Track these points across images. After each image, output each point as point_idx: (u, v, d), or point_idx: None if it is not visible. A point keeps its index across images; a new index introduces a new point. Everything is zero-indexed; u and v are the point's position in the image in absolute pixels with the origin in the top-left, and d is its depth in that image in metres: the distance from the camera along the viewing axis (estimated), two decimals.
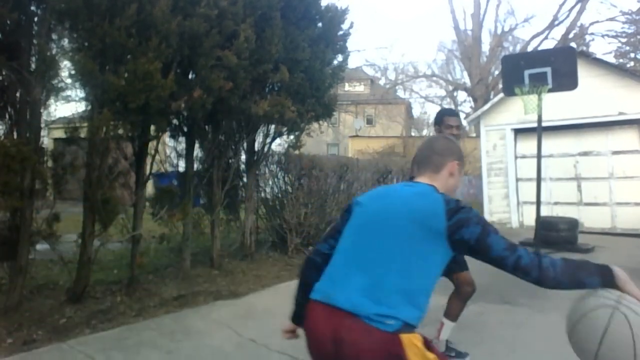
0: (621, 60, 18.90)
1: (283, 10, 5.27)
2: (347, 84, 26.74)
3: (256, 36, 4.84)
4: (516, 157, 10.46)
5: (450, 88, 24.43)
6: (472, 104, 20.82)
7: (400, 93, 27.59)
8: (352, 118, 25.54)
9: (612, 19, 19.79)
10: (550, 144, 9.40)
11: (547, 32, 19.73)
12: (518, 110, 8.21)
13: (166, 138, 6.08)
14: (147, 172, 4.79)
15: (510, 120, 10.16)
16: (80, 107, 4.45)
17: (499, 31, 21.28)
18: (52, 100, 3.93)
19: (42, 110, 3.85)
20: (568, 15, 19.03)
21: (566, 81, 7.12)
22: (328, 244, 1.56)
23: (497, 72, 19.66)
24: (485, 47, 21.49)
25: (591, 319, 1.32)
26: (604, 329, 1.27)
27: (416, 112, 31.27)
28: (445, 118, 3.13)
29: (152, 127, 4.60)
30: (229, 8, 4.58)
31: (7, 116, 3.89)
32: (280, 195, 7.09)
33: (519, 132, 10.31)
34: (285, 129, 6.18)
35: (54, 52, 3.80)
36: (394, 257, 1.34)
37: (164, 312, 4.02)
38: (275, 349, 3.18)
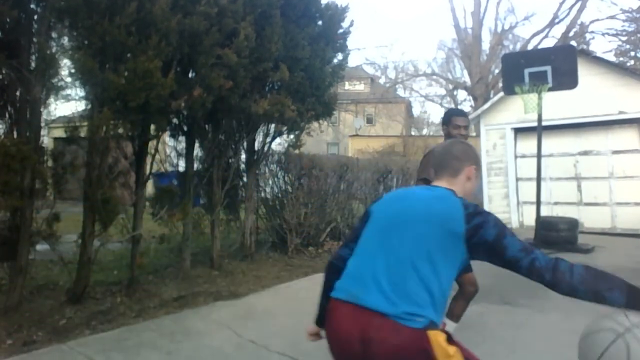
0: (621, 59, 18.92)
1: (283, 8, 5.25)
2: (347, 83, 26.70)
3: (256, 34, 4.83)
4: (516, 157, 10.44)
5: (450, 87, 24.43)
6: (472, 103, 20.79)
7: (400, 92, 27.61)
8: (352, 117, 25.52)
9: (612, 17, 19.70)
10: (550, 143, 9.39)
11: (547, 30, 19.72)
12: (518, 109, 8.21)
13: (166, 137, 6.06)
14: (147, 171, 4.77)
15: (510, 119, 10.15)
16: (80, 106, 4.44)
17: (499, 29, 21.27)
18: (52, 99, 3.92)
19: (42, 109, 3.83)
20: (568, 13, 19.01)
21: (566, 80, 7.13)
22: (349, 249, 1.58)
23: (497, 71, 19.63)
24: (486, 45, 21.47)
25: (593, 340, 1.31)
26: (601, 353, 1.26)
27: (416, 111, 31.37)
28: (453, 118, 3.11)
29: (152, 126, 4.58)
30: (229, 6, 4.56)
31: (7, 115, 3.88)
32: (280, 195, 7.08)
33: (519, 131, 10.30)
34: (285, 128, 6.16)
35: (53, 50, 3.79)
36: (418, 258, 1.36)
37: (164, 313, 4.01)
38: (275, 349, 3.17)
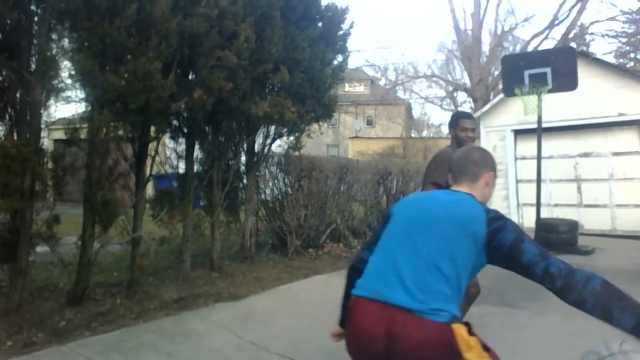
0: (621, 61, 18.89)
1: (283, 10, 5.26)
2: (347, 85, 26.76)
3: (256, 36, 4.83)
4: (516, 159, 10.45)
5: (450, 89, 24.41)
6: (472, 104, 20.79)
7: (400, 94, 27.61)
8: (352, 119, 25.57)
9: (612, 19, 19.63)
10: (550, 145, 9.41)
11: (547, 31, 19.69)
12: (518, 111, 8.22)
13: (166, 139, 6.06)
14: (147, 173, 4.77)
15: (510, 121, 10.16)
16: (80, 107, 4.43)
17: (499, 31, 21.25)
18: (52, 101, 3.91)
19: (42, 111, 3.83)
20: (568, 15, 19.00)
21: (566, 81, 7.13)
22: (370, 251, 1.60)
23: (497, 73, 19.63)
24: (485, 47, 21.46)
25: None
26: None
27: (416, 112, 31.35)
28: (460, 120, 3.11)
29: (152, 128, 4.58)
30: (229, 8, 4.57)
31: (7, 117, 3.87)
32: (280, 196, 7.07)
33: (518, 133, 10.31)
34: (285, 130, 6.17)
35: (54, 52, 3.78)
36: (441, 257, 1.40)
37: (164, 315, 4.00)
38: (275, 351, 3.16)
